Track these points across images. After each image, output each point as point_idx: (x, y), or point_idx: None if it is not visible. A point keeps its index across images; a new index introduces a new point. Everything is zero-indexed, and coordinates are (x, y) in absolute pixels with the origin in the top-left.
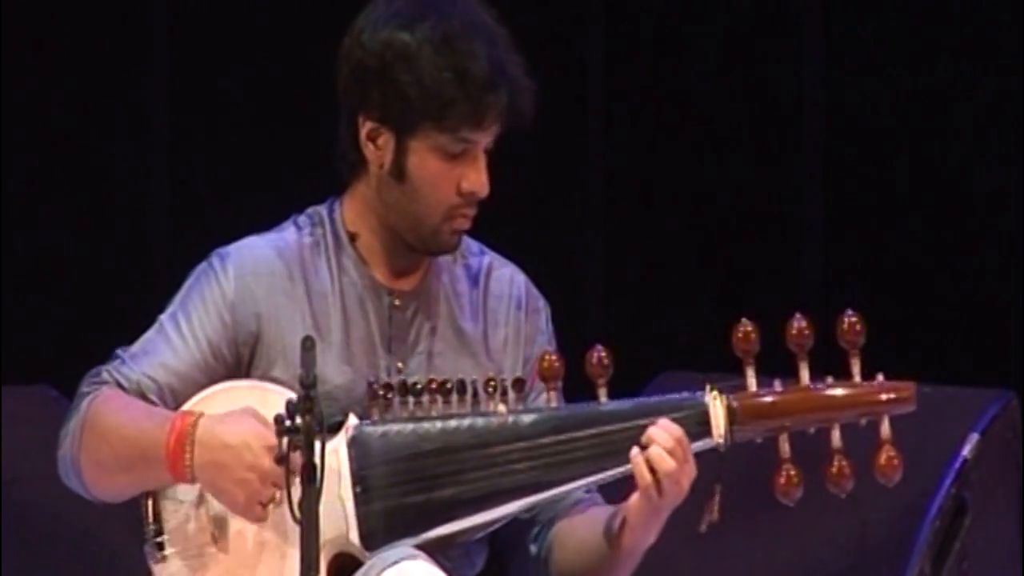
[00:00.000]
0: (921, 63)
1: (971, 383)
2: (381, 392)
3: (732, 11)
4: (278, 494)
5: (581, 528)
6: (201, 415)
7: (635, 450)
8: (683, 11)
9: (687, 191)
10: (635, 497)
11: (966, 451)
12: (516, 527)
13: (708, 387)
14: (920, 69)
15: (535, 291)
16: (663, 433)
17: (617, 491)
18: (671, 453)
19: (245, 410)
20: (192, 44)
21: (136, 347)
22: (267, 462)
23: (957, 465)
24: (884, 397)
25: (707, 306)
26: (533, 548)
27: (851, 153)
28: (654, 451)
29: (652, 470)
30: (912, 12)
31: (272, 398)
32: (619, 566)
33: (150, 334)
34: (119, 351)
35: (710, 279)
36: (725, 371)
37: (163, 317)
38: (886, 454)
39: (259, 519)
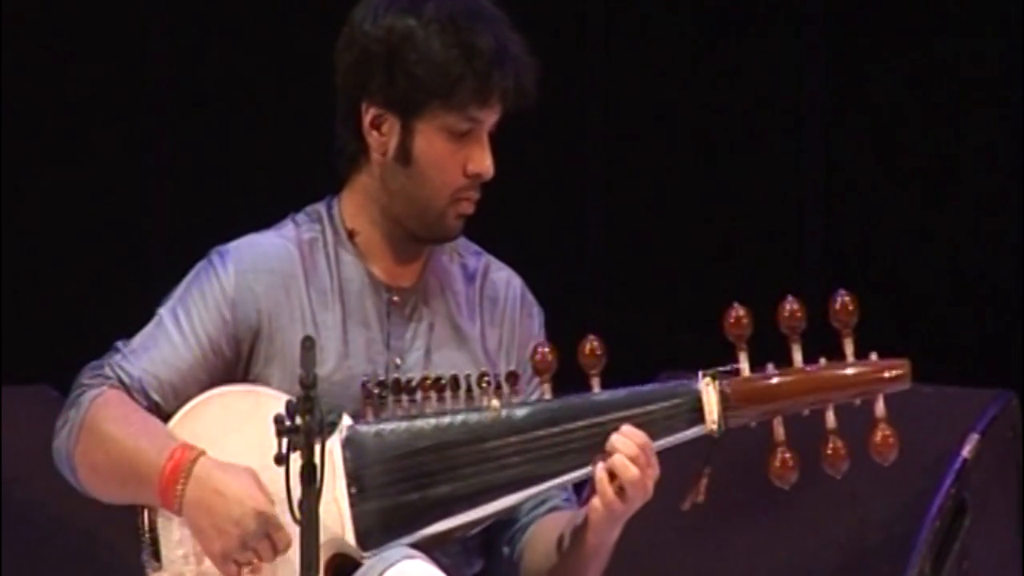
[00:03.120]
0: (922, 56)
1: (971, 383)
2: (375, 391)
3: (731, 6)
4: (256, 562)
5: (551, 530)
6: (203, 452)
7: (599, 464)
8: (681, 6)
9: (687, 190)
10: (597, 502)
11: (966, 451)
12: (492, 529)
13: (700, 373)
14: (920, 63)
15: (530, 296)
16: (626, 441)
17: None
18: (634, 460)
19: (248, 469)
20: (191, 42)
21: (136, 342)
22: (253, 524)
23: (957, 465)
24: (879, 375)
25: (707, 306)
26: (506, 550)
27: (850, 151)
28: (617, 459)
29: (615, 477)
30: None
31: (267, 402)
32: (585, 566)
33: (149, 328)
34: (119, 344)
35: (710, 279)
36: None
37: (162, 311)
38: (881, 432)
39: None
